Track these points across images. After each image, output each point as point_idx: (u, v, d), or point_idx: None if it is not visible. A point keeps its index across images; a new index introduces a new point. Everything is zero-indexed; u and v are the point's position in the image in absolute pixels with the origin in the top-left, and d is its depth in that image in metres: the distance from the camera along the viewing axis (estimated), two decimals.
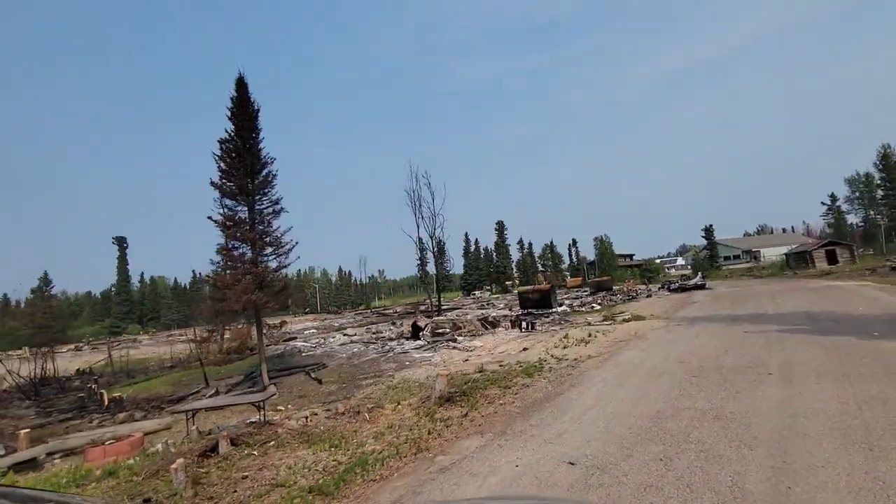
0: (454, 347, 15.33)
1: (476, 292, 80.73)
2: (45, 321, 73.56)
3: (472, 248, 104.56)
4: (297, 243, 14.64)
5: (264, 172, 14.35)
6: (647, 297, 29.12)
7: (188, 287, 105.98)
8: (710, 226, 68.50)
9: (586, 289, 52.19)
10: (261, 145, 14.52)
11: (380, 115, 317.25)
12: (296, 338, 27.39)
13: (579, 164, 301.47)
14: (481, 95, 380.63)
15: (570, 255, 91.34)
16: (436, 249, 31.27)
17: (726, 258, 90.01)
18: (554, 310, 23.74)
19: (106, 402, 14.33)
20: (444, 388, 7.60)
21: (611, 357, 10.14)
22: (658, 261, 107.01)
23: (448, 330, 23.86)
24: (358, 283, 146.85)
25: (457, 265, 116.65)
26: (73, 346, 53.16)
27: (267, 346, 22.82)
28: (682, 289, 29.63)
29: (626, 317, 17.63)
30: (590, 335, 13.80)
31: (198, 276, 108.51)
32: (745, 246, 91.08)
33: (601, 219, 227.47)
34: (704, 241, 69.30)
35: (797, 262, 46.74)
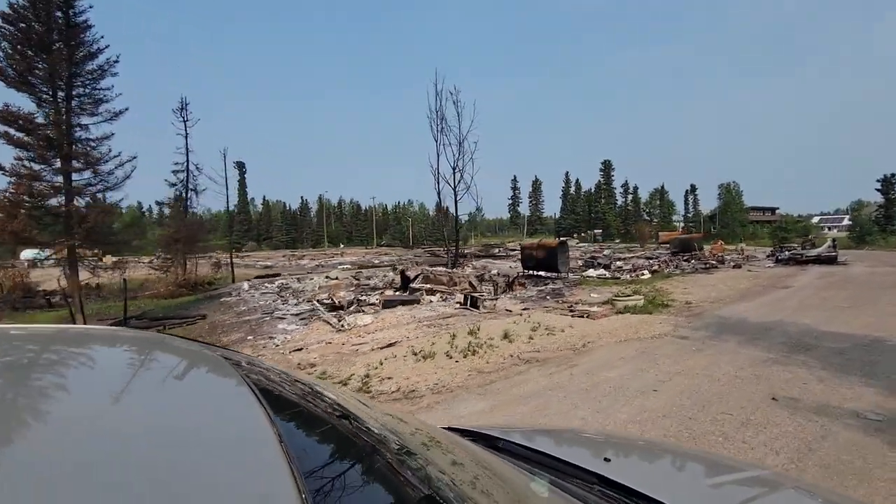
0: (332, 323, 10.42)
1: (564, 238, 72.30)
2: (192, 233, 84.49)
3: (573, 188, 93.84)
4: (131, 160, 10.60)
5: (94, 63, 10.28)
6: (736, 266, 20.34)
7: (297, 212, 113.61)
8: (892, 175, 49.87)
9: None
10: (85, 20, 10.33)
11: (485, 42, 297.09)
12: (274, 277, 24.57)
13: (734, 99, 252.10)
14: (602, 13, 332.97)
15: (685, 205, 76.40)
16: (459, 183, 25.11)
17: None
18: (562, 275, 17.05)
19: None
20: None
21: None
22: (816, 219, 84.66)
23: (427, 287, 18.84)
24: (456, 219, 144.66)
25: (553, 207, 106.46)
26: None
27: (214, 288, 20.27)
28: (796, 260, 20.05)
29: (633, 302, 10.82)
30: (505, 335, 7.85)
31: (304, 200, 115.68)
32: None
33: (750, 164, 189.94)
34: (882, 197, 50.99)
35: None
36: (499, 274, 19.53)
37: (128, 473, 0.47)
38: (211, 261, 25.17)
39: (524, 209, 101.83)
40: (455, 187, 25.67)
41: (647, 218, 74.89)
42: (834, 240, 20.59)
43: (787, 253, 20.69)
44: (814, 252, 20.06)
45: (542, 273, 17.16)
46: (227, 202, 31.69)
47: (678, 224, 77.10)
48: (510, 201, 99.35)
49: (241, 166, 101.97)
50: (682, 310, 10.39)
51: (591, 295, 13.17)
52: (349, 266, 32.26)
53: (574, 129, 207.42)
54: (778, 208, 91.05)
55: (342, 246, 73.84)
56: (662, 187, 74.76)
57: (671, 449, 1.99)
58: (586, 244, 59.47)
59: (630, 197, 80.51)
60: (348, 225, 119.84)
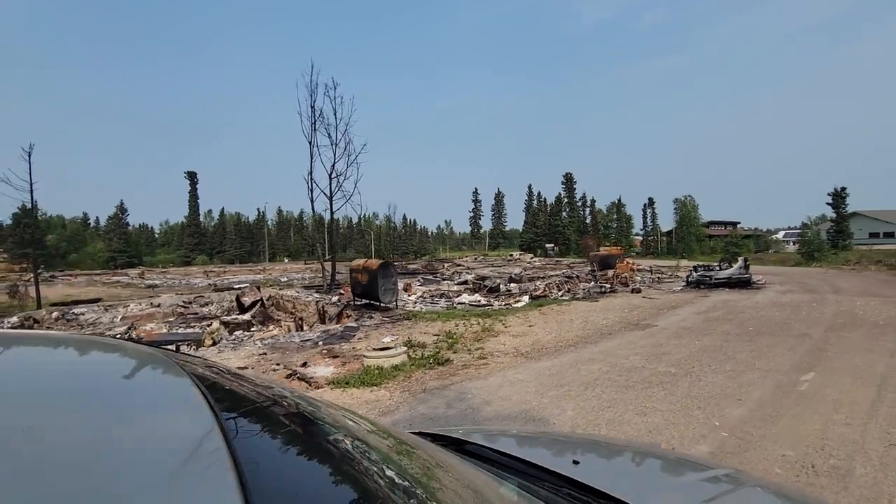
0: None
1: (514, 253, 68.91)
2: (121, 246, 77.12)
3: (536, 202, 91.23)
4: None
5: None
6: (635, 291, 16.90)
7: (252, 222, 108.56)
8: (842, 189, 47.97)
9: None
10: None
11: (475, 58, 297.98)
12: (93, 302, 20.36)
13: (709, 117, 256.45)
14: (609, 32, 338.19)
15: (643, 219, 74.04)
16: (336, 187, 21.33)
17: (873, 235, 66.58)
18: (389, 305, 13.23)
19: None
20: None
21: None
22: (781, 234, 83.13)
23: (277, 316, 15.06)
24: (426, 232, 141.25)
25: (518, 221, 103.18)
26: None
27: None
28: (700, 284, 16.79)
29: (386, 361, 7.06)
30: None
31: (261, 212, 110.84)
32: None
33: (718, 179, 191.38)
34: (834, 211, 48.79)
35: None
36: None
37: (54, 479, 0.45)
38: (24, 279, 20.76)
39: (487, 223, 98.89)
40: (332, 195, 21.94)
41: (605, 232, 72.24)
42: (746, 259, 17.28)
43: (695, 274, 17.40)
44: (724, 274, 16.76)
45: (372, 301, 13.34)
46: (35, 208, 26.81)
47: (637, 237, 74.74)
48: (471, 214, 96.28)
49: (192, 176, 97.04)
50: (443, 374, 6.65)
51: (384, 339, 9.41)
52: (246, 284, 28.08)
53: (540, 141, 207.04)
54: (739, 223, 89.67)
55: (286, 261, 69.33)
56: (619, 200, 72.36)
57: (640, 450, 1.96)
58: (538, 259, 56.24)
59: (587, 210, 77.97)
60: (311, 237, 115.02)
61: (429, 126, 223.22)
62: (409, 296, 18.41)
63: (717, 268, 17.91)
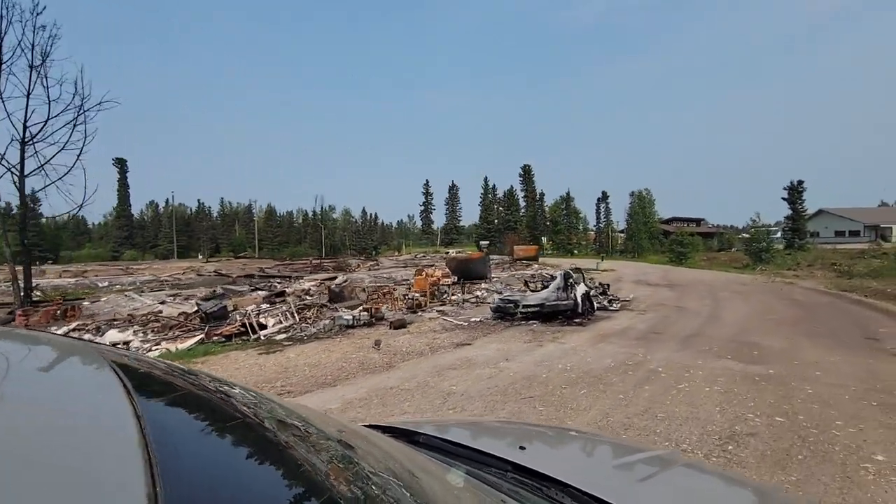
0: None
1: (452, 251, 62.41)
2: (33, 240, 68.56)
3: (491, 195, 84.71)
4: None
5: None
6: (396, 326, 10.45)
7: (191, 214, 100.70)
8: (798, 183, 42.25)
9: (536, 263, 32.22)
10: None
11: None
12: None
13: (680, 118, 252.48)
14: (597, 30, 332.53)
15: (597, 214, 68.08)
16: (36, 158, 14.41)
17: (839, 233, 61.35)
18: None
19: None
20: None
21: None
22: (747, 232, 77.40)
23: None
24: (388, 227, 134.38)
25: (471, 214, 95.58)
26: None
27: None
28: (505, 314, 10.29)
29: None
30: None
31: (202, 204, 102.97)
32: (869, 219, 61.09)
33: (691, 174, 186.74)
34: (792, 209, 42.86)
35: None
36: None
37: None
38: None
39: (440, 217, 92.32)
40: (23, 170, 15.01)
41: (555, 228, 66.12)
42: (568, 273, 10.77)
43: (496, 299, 10.98)
44: (535, 299, 10.31)
45: None
46: None
47: (591, 231, 68.80)
48: (422, 207, 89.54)
49: (121, 163, 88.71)
50: None
51: None
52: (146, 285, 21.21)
53: (507, 137, 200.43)
54: (703, 219, 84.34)
55: (200, 256, 62.10)
56: (568, 194, 66.19)
57: (583, 435, 2.08)
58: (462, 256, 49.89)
59: (537, 205, 71.78)
60: (260, 232, 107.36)
61: (399, 120, 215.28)
62: None
63: (533, 288, 11.52)
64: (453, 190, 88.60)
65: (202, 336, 9.72)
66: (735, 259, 40.09)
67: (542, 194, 71.11)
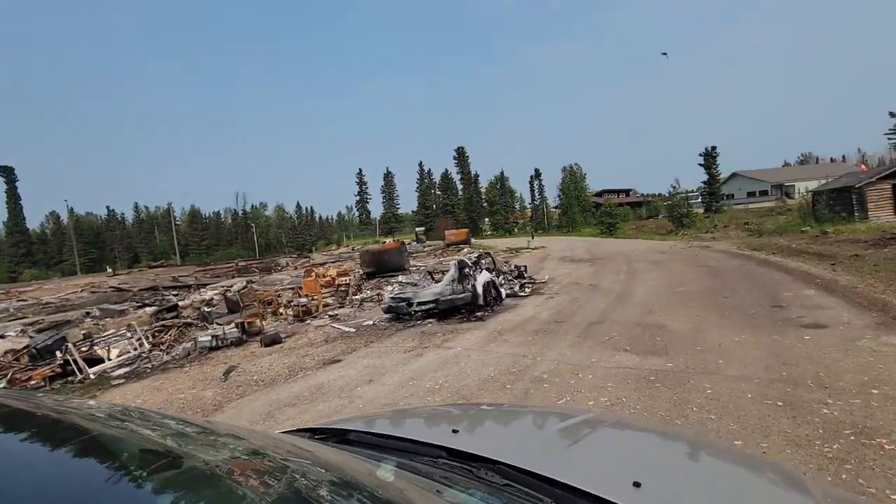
0: None
1: (386, 240, 60.45)
2: None
3: (426, 180, 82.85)
4: None
5: None
6: (269, 342, 8.71)
7: (102, 225, 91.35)
8: (712, 149, 44.09)
9: (468, 248, 31.24)
10: None
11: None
12: None
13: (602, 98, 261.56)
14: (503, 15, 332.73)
15: (531, 192, 68.50)
16: None
17: (751, 194, 65.43)
18: None
19: None
20: None
21: None
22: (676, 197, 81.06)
23: None
24: (327, 221, 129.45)
25: (411, 202, 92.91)
26: None
27: None
28: (399, 314, 8.81)
29: None
30: None
31: (112, 211, 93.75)
32: (774, 179, 65.46)
33: (613, 154, 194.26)
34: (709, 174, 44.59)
35: (835, 204, 24.00)
36: None
37: None
38: None
39: (379, 207, 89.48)
40: None
41: (492, 209, 65.86)
42: (463, 262, 9.54)
43: (388, 299, 9.52)
44: (429, 294, 8.97)
45: None
46: None
47: (527, 209, 69.12)
48: (357, 197, 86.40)
49: (7, 172, 78.09)
50: None
51: None
52: None
53: (440, 124, 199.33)
54: (632, 189, 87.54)
55: (109, 269, 56.00)
56: (502, 174, 66.00)
57: (514, 410, 2.12)
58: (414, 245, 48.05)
59: (472, 187, 71.08)
60: (184, 237, 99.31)
61: (331, 113, 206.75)
62: None
63: (438, 279, 10.25)
64: (389, 177, 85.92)
65: (4, 383, 7.53)
66: (661, 226, 41.38)
67: (476, 175, 70.19)
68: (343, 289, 12.17)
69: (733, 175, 66.11)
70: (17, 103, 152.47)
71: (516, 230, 62.62)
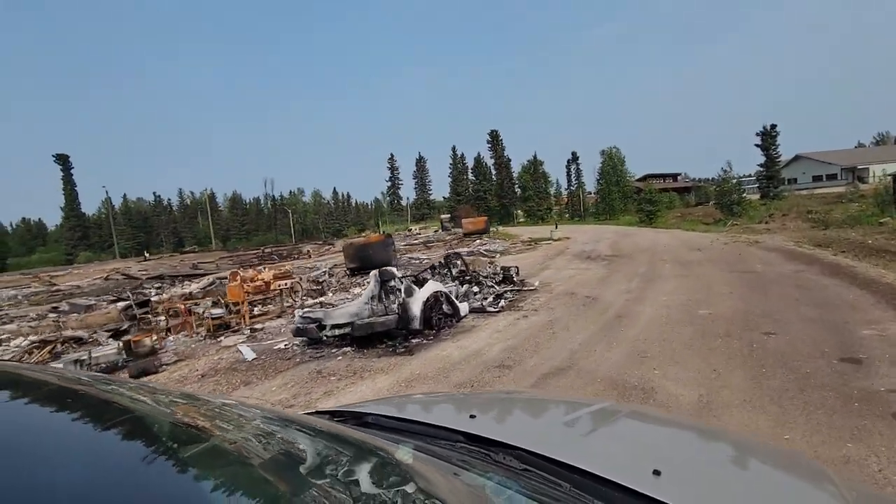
0: None
1: (414, 227, 58.52)
2: None
3: (460, 166, 79.82)
4: None
5: None
6: (144, 372, 6.71)
7: (149, 210, 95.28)
8: (771, 127, 38.59)
9: (486, 239, 28.55)
10: None
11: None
12: None
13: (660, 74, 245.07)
14: None
15: (567, 176, 64.21)
16: None
17: (816, 178, 58.33)
18: None
19: None
20: None
21: None
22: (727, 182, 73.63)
23: None
24: (361, 205, 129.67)
25: (444, 188, 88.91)
26: None
27: None
28: (311, 340, 6.54)
29: None
30: None
31: (158, 197, 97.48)
32: (846, 161, 57.94)
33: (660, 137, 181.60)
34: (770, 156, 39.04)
35: None
36: None
37: None
38: None
39: (408, 192, 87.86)
40: None
41: (524, 194, 62.32)
42: (385, 272, 7.04)
43: (298, 320, 7.17)
44: (342, 314, 6.53)
45: None
46: None
47: (563, 194, 65.00)
48: (388, 182, 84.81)
49: (63, 160, 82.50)
50: None
51: None
52: None
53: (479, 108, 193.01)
54: (680, 174, 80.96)
55: (147, 255, 57.54)
56: (535, 158, 61.97)
57: (532, 398, 2.06)
58: (432, 233, 45.85)
59: (504, 173, 67.55)
60: (226, 222, 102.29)
61: (367, 100, 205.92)
62: None
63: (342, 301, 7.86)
64: (421, 163, 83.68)
65: None
66: (708, 214, 36.95)
67: (508, 160, 66.39)
68: (278, 294, 10.08)
69: (796, 157, 59.03)
70: (72, 94, 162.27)
71: (550, 217, 58.96)
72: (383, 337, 6.67)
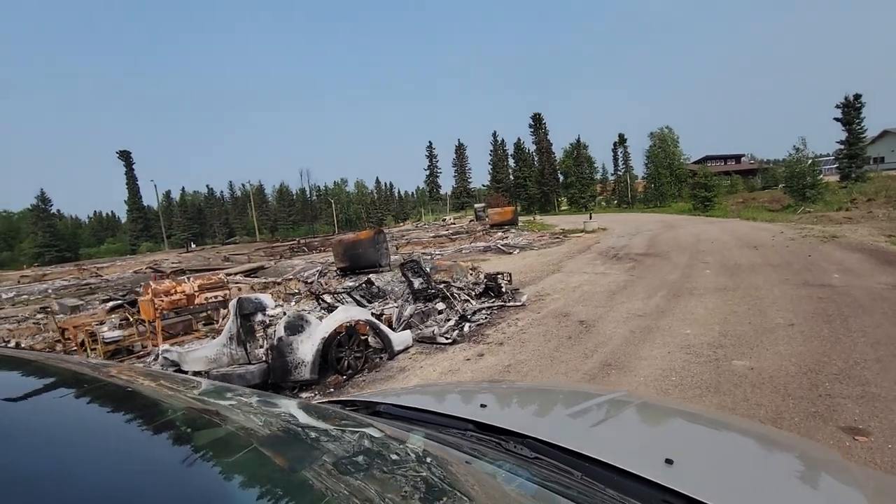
0: None
1: (448, 217, 56.32)
2: (47, 240, 68.00)
3: (500, 152, 76.48)
4: None
5: None
6: None
7: (203, 202, 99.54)
8: (855, 98, 32.69)
9: (512, 229, 26.02)
10: None
11: None
12: None
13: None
14: None
15: (614, 161, 59.40)
16: None
17: None
18: None
19: None
20: None
21: None
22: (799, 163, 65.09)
23: None
24: (404, 195, 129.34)
25: (484, 175, 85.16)
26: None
27: None
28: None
29: None
30: None
31: (211, 189, 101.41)
32: None
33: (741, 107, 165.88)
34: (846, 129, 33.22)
35: None
36: None
37: None
38: None
39: (448, 180, 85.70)
40: None
41: (566, 181, 58.37)
42: (249, 301, 5.02)
43: (160, 350, 5.36)
44: (200, 359, 4.68)
45: None
46: None
47: (610, 180, 60.43)
48: (427, 171, 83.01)
49: (125, 156, 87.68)
50: None
51: None
52: None
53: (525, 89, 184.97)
54: (744, 155, 73.32)
55: (193, 246, 59.51)
56: (579, 142, 57.61)
57: (542, 388, 2.07)
58: (465, 223, 43.64)
59: (544, 158, 63.56)
60: (274, 212, 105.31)
61: (416, 85, 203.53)
62: None
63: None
64: (460, 149, 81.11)
65: None
66: (776, 199, 32.25)
67: (550, 144, 62.33)
68: (214, 309, 8.48)
69: (884, 133, 50.98)
70: (133, 93, 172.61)
71: (594, 205, 54.86)
72: (290, 383, 4.76)
